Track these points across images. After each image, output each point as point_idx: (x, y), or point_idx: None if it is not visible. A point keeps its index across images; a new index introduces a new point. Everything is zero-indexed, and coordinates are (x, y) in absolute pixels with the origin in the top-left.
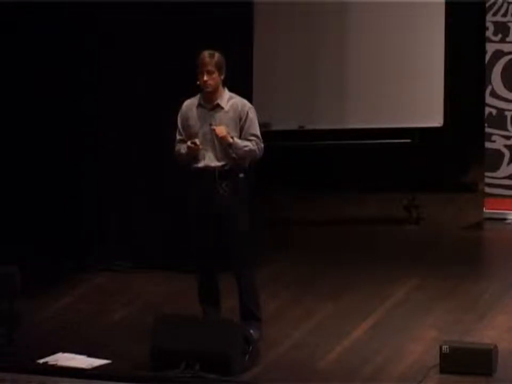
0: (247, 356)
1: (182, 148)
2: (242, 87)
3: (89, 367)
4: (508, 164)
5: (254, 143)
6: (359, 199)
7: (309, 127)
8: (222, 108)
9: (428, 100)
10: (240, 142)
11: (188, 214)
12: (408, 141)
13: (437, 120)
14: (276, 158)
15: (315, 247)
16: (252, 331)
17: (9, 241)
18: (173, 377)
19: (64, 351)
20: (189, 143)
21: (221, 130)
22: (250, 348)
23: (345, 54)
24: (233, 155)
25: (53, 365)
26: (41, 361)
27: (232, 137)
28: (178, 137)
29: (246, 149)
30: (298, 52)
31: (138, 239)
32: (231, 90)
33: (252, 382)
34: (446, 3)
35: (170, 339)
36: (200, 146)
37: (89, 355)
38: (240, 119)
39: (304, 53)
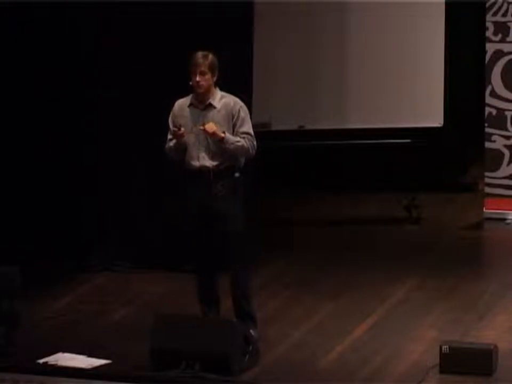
0: (247, 356)
1: (171, 142)
2: (242, 87)
3: (89, 367)
4: (508, 164)
5: (247, 140)
6: (359, 199)
7: (309, 127)
8: (214, 107)
9: (428, 100)
10: (232, 137)
11: (184, 214)
12: (408, 141)
13: (437, 120)
14: (276, 158)
15: (315, 247)
16: (252, 332)
17: (9, 241)
18: (173, 377)
19: (64, 351)
20: (173, 128)
21: (211, 126)
22: (250, 347)
23: (345, 54)
24: (226, 151)
25: (53, 365)
26: (41, 361)
27: (223, 132)
28: (169, 136)
29: (238, 144)
30: (298, 51)
31: (138, 239)
32: (230, 90)
33: (252, 382)
34: (446, 3)
35: (170, 339)
36: (183, 129)
37: (89, 355)
38: (233, 117)
39: (304, 52)
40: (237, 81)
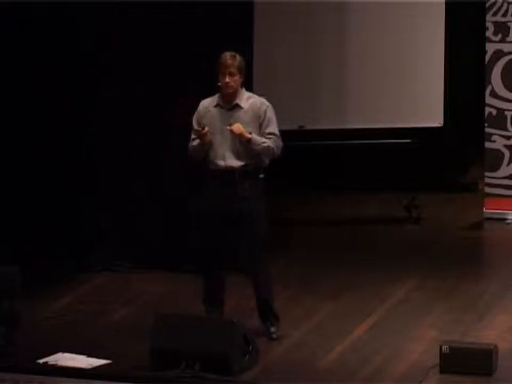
0: (247, 356)
1: (195, 142)
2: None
3: (89, 367)
4: (508, 163)
5: (272, 141)
6: (359, 199)
7: (309, 127)
8: (241, 108)
9: (428, 100)
10: (258, 138)
11: (200, 214)
12: (408, 141)
13: (437, 120)
14: (276, 158)
15: (315, 247)
16: (273, 329)
17: (9, 241)
18: (173, 377)
19: (64, 351)
20: (196, 127)
21: (238, 127)
22: (250, 347)
23: (345, 54)
24: (252, 151)
25: (53, 365)
26: (41, 361)
27: (250, 133)
28: (193, 136)
29: (264, 145)
30: (298, 51)
31: (138, 239)
32: None
33: (252, 382)
34: (446, 3)
35: (170, 339)
36: (207, 129)
37: (89, 355)
38: (259, 118)
39: (304, 52)
40: None
